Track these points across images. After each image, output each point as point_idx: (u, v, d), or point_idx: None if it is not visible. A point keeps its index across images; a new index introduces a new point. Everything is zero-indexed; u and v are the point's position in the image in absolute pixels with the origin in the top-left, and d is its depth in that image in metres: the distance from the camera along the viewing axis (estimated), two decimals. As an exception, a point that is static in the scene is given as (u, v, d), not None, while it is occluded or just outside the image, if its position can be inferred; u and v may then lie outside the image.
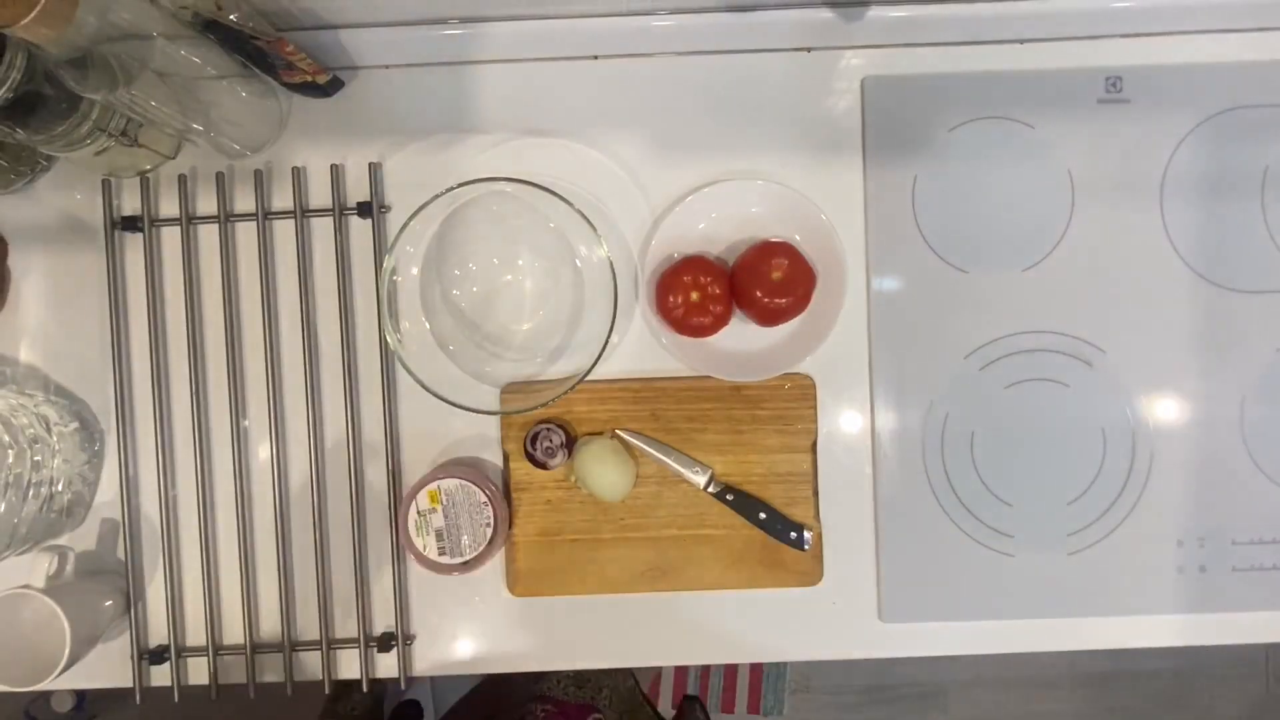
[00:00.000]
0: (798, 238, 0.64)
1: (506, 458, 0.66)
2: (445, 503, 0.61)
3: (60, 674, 0.59)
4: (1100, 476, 0.66)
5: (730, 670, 1.52)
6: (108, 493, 0.66)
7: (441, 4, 0.62)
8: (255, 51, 0.57)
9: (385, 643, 0.66)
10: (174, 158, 0.66)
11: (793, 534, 0.65)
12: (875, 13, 0.63)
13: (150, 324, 0.65)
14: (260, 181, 0.66)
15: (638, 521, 0.66)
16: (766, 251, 0.62)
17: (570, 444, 0.65)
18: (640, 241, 0.66)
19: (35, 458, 0.60)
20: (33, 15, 0.41)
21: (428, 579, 0.65)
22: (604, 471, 0.63)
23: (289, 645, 0.65)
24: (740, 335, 0.65)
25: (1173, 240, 0.66)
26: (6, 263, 0.66)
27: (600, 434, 0.65)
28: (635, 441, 0.65)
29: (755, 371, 0.64)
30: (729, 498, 0.65)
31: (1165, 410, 0.66)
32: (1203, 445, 0.66)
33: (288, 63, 0.59)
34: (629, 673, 0.96)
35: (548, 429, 0.64)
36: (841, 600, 0.66)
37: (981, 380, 0.66)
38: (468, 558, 0.61)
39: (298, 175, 0.66)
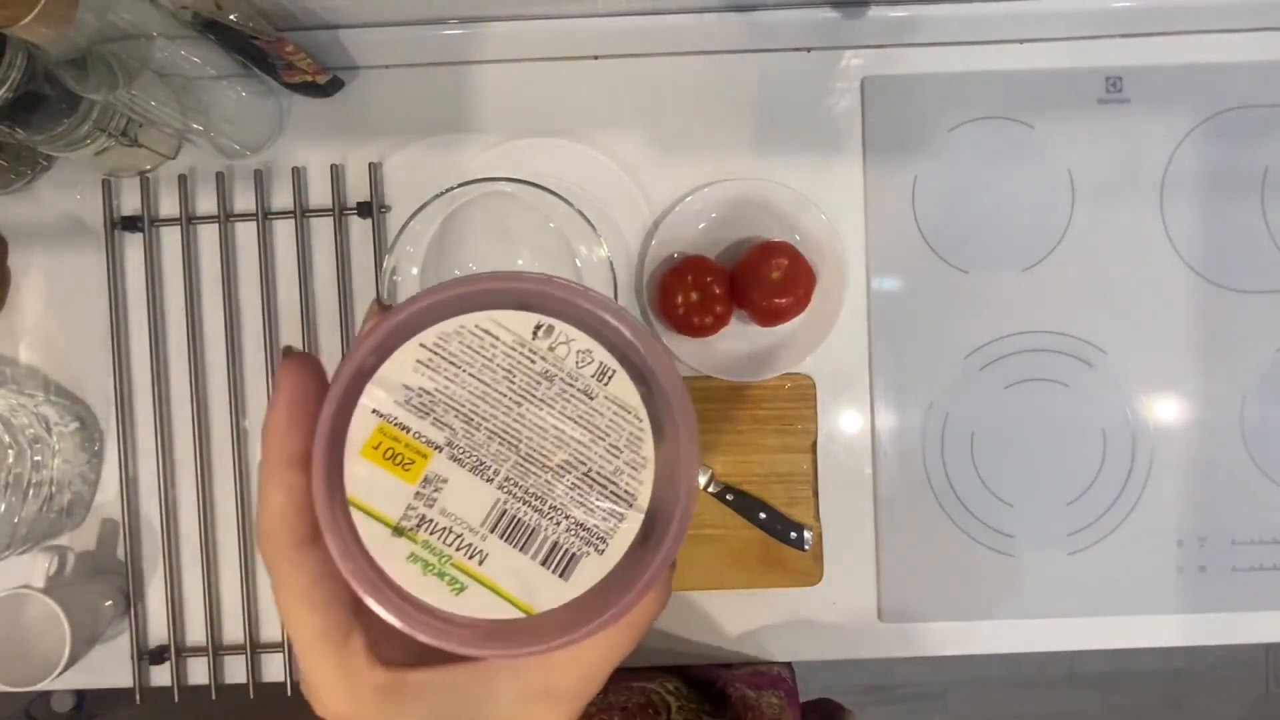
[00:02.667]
0: (798, 238, 0.64)
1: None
2: (458, 419, 0.22)
3: (60, 674, 0.59)
4: (1100, 476, 0.66)
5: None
6: (108, 493, 0.66)
7: (441, 4, 0.62)
8: (255, 51, 0.57)
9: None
10: (174, 158, 0.66)
11: (793, 534, 0.65)
12: (875, 13, 0.63)
13: (150, 324, 0.65)
14: (260, 181, 0.66)
15: (638, 521, 0.65)
16: (766, 251, 0.62)
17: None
18: (640, 241, 0.66)
19: (35, 458, 0.60)
20: (33, 15, 0.41)
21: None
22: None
23: (289, 645, 0.65)
24: (740, 335, 0.65)
25: (1173, 240, 0.66)
26: (6, 263, 0.66)
27: (600, 434, 0.65)
28: (635, 441, 0.65)
29: (755, 371, 0.64)
30: (729, 498, 0.65)
31: (1165, 410, 0.66)
32: (1203, 445, 0.66)
33: (288, 63, 0.59)
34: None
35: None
36: (841, 600, 0.66)
37: (981, 380, 0.66)
38: (604, 565, 0.22)
39: (298, 175, 0.66)
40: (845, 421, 0.66)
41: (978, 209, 0.66)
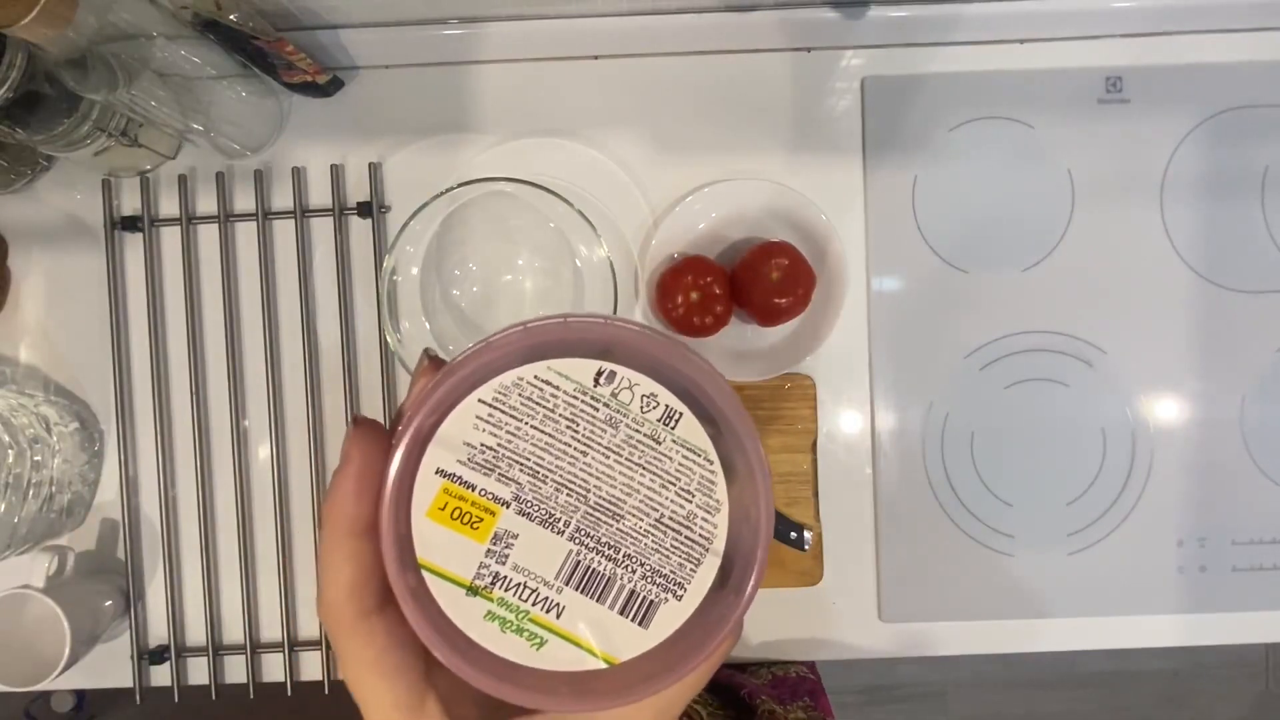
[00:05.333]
0: (798, 238, 0.64)
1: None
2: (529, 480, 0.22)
3: (60, 674, 0.59)
4: (1100, 476, 0.66)
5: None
6: (108, 493, 0.66)
7: (441, 4, 0.62)
8: (255, 51, 0.57)
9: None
10: (174, 158, 0.66)
11: (793, 534, 0.65)
12: (875, 13, 0.63)
13: (150, 324, 0.65)
14: (260, 181, 0.66)
15: (638, 521, 0.65)
16: (766, 251, 0.62)
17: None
18: (640, 241, 0.66)
19: (35, 458, 0.60)
20: (33, 15, 0.41)
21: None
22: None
23: (289, 645, 0.65)
24: (740, 335, 0.65)
25: (1173, 240, 0.66)
26: (6, 263, 0.66)
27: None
28: (635, 441, 0.65)
29: (755, 371, 0.64)
30: (729, 498, 0.65)
31: (1165, 410, 0.66)
32: (1203, 445, 0.66)
33: (288, 63, 0.59)
34: None
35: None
36: (841, 600, 0.66)
37: (981, 380, 0.66)
38: (675, 619, 0.22)
39: (298, 175, 0.66)
40: (845, 421, 0.66)
41: (978, 209, 0.66)
